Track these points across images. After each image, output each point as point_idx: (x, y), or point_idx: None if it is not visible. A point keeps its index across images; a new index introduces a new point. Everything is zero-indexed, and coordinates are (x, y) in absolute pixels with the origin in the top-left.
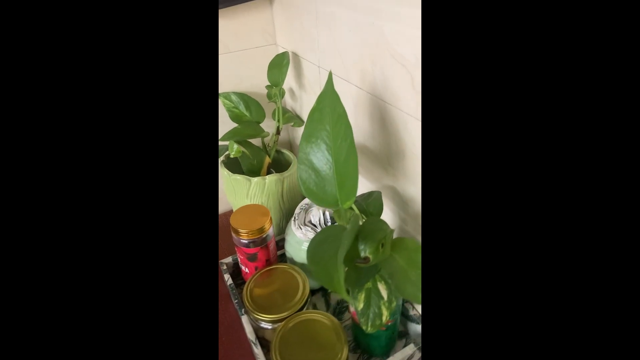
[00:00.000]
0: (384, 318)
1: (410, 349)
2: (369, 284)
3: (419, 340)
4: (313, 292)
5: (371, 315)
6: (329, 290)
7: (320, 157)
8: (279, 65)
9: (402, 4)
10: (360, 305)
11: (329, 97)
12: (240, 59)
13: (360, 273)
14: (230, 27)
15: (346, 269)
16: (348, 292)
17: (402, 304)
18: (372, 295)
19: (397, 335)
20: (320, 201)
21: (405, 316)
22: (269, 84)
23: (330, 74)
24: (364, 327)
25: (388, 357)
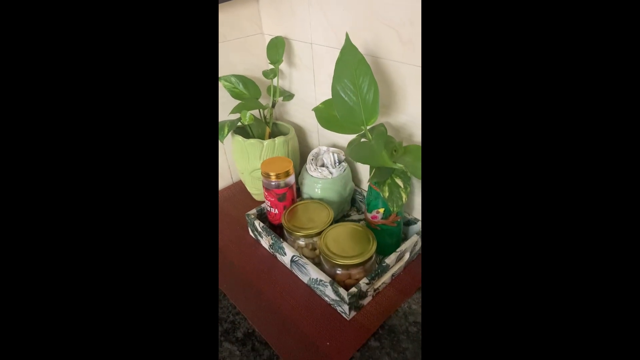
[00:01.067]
0: (403, 199)
1: (415, 237)
2: (389, 180)
3: (419, 233)
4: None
5: (395, 198)
6: (369, 180)
7: (349, 92)
8: (275, 46)
9: None
10: (387, 194)
11: (349, 49)
12: (233, 47)
13: (382, 171)
14: (224, 19)
15: (374, 169)
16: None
17: (403, 214)
18: (393, 186)
19: (401, 239)
20: (351, 125)
21: (405, 224)
22: (260, 67)
23: (347, 35)
24: (390, 208)
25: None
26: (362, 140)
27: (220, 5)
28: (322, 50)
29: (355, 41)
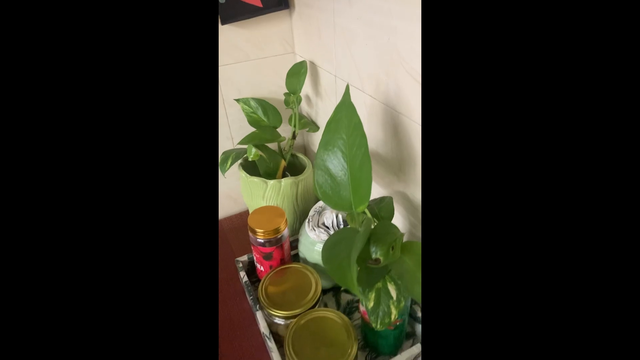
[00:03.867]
0: (392, 316)
1: (417, 348)
2: (379, 284)
3: None
4: (324, 291)
5: (380, 313)
6: (342, 289)
7: (337, 164)
8: (297, 73)
9: (416, 23)
10: (371, 304)
11: (345, 108)
12: (260, 66)
13: (371, 273)
14: (251, 36)
15: (358, 268)
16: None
17: (410, 306)
18: (382, 295)
19: (404, 335)
20: (335, 205)
21: (413, 317)
22: (287, 90)
23: (347, 87)
24: (373, 325)
25: (395, 355)
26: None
27: (243, 21)
28: (344, 86)
29: (376, 87)
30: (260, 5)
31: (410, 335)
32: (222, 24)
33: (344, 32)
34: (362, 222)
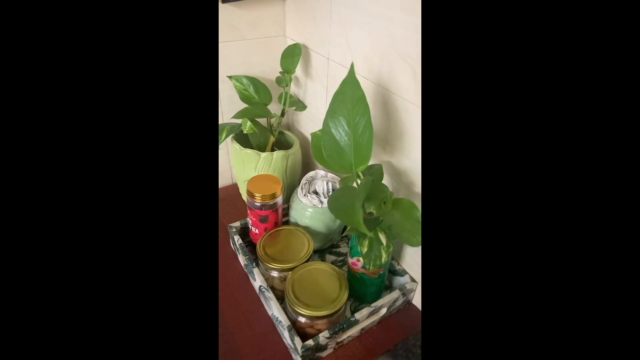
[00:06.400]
0: (383, 259)
1: (396, 293)
2: (371, 233)
3: (402, 289)
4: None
5: (373, 256)
6: (345, 233)
7: (341, 131)
8: (291, 54)
9: (413, 14)
10: (365, 249)
11: (350, 82)
12: (253, 46)
13: (366, 222)
14: (246, 17)
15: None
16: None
17: (389, 262)
18: (374, 242)
19: (384, 286)
20: (339, 166)
21: (391, 272)
22: (278, 70)
23: (352, 65)
24: (367, 267)
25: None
26: (351, 185)
27: (242, 2)
28: (337, 68)
29: (369, 68)
30: None
31: (388, 288)
32: (223, 2)
33: (341, 18)
34: (353, 183)
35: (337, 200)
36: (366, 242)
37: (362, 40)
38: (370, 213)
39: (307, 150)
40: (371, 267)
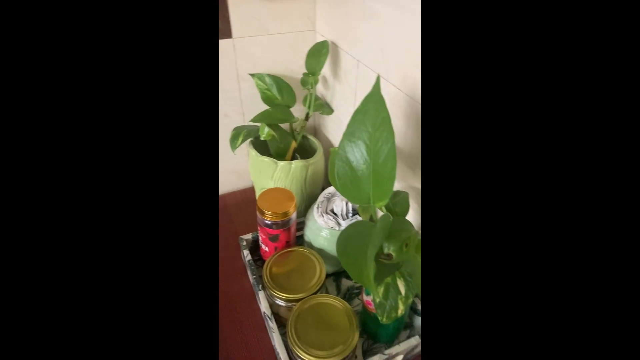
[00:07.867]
0: (399, 312)
1: (415, 340)
2: (388, 279)
3: None
4: (326, 275)
5: (388, 307)
6: (354, 281)
7: (359, 157)
8: (317, 53)
9: None
10: (379, 297)
11: (374, 101)
12: (278, 42)
13: (383, 268)
14: (272, 10)
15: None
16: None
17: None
18: (391, 290)
19: (403, 325)
20: (353, 198)
21: (412, 310)
22: (304, 69)
23: (377, 79)
24: (379, 318)
25: (392, 344)
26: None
27: None
28: (368, 73)
29: (403, 78)
30: None
31: (408, 326)
32: None
33: (374, 15)
34: (371, 215)
35: (347, 241)
36: (381, 289)
37: (398, 44)
38: (389, 255)
39: None
40: (384, 319)
